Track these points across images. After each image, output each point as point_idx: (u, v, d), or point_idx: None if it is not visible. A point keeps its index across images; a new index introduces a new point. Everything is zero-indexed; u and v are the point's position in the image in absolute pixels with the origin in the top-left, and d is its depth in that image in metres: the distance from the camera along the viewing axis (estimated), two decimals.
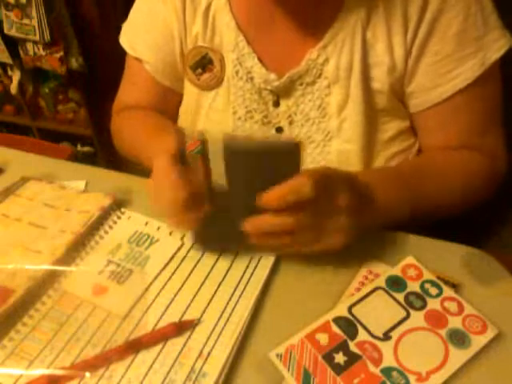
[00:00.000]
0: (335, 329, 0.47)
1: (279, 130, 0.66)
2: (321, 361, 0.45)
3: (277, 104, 0.64)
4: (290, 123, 0.65)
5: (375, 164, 0.65)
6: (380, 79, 0.60)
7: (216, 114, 0.67)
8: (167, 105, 0.74)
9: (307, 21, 0.60)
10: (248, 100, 0.65)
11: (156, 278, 0.53)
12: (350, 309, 0.49)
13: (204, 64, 0.66)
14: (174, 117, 0.75)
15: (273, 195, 0.45)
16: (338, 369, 0.44)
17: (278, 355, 0.45)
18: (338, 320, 0.48)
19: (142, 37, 0.70)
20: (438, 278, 0.51)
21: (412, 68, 0.60)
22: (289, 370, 0.44)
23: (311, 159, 0.65)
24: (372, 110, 0.62)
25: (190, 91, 0.70)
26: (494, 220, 0.80)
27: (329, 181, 0.48)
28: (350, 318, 0.48)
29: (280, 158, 0.46)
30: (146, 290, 0.51)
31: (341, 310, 0.49)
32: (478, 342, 0.45)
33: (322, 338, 0.46)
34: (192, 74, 0.67)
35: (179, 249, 0.56)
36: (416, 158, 0.67)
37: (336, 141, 0.64)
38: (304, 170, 0.47)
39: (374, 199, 0.53)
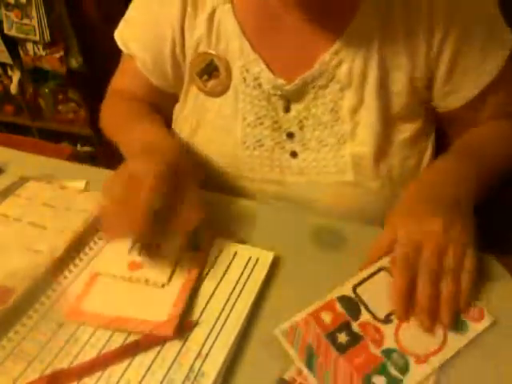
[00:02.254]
0: (339, 308, 0.48)
1: (290, 135, 0.65)
2: (324, 340, 0.45)
3: (287, 109, 0.64)
4: (301, 128, 0.64)
5: (390, 165, 0.64)
6: (399, 81, 0.60)
7: (223, 121, 0.66)
8: (156, 101, 0.75)
9: (318, 25, 0.60)
10: (257, 106, 0.64)
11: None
12: (354, 288, 0.50)
13: (210, 71, 0.65)
14: (165, 114, 0.74)
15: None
16: (341, 348, 0.45)
17: (283, 332, 0.46)
18: (342, 299, 0.49)
19: (136, 35, 0.70)
20: None
21: (447, 70, 0.60)
22: (294, 346, 0.45)
23: (325, 163, 0.64)
24: (388, 113, 0.62)
25: (194, 97, 0.69)
26: (495, 221, 0.80)
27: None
28: (354, 298, 0.49)
29: None
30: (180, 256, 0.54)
31: (346, 289, 0.50)
32: (476, 328, 0.46)
33: (327, 317, 0.47)
34: (198, 80, 0.66)
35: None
36: (466, 137, 0.67)
37: (350, 144, 0.63)
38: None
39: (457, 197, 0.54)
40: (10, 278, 0.51)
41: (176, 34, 0.65)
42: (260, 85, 0.63)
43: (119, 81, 0.79)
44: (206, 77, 0.65)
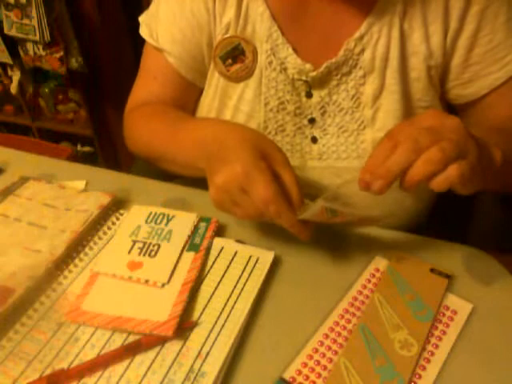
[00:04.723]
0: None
1: (312, 120, 0.65)
2: None
3: (309, 95, 0.64)
4: (323, 114, 0.65)
5: None
6: (417, 68, 0.61)
7: (246, 106, 0.66)
8: (187, 100, 0.73)
9: (342, 11, 0.61)
10: (281, 91, 0.64)
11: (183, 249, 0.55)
12: None
13: (235, 55, 0.65)
14: (191, 113, 0.74)
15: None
16: None
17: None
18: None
19: (167, 27, 0.69)
20: (432, 269, 0.52)
21: (464, 58, 0.61)
22: None
23: (344, 148, 0.65)
24: (408, 99, 0.63)
25: (216, 82, 0.68)
26: (495, 221, 0.80)
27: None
28: None
29: None
30: (180, 256, 0.54)
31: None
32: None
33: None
34: (221, 64, 0.66)
35: (199, 221, 0.59)
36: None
37: (370, 130, 0.64)
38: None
39: (492, 157, 0.50)
40: (10, 278, 0.51)
41: (211, 21, 0.65)
42: (285, 69, 0.63)
43: (143, 89, 0.75)
44: (229, 61, 0.65)
